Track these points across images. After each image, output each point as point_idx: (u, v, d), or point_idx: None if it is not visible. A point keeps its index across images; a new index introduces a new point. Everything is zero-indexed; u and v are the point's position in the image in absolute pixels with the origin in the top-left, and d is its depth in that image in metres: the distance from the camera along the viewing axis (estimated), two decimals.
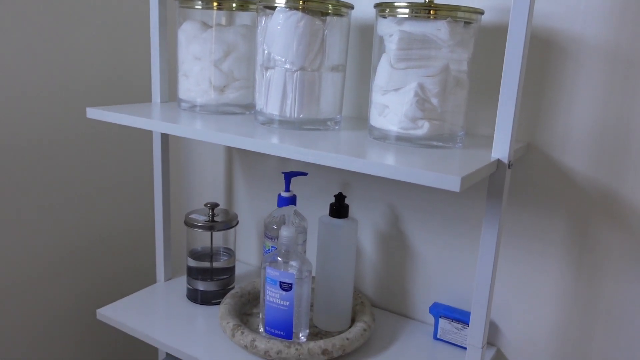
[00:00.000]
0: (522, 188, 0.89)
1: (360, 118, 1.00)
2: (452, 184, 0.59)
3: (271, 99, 0.82)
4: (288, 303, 0.88)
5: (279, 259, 0.89)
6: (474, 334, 0.76)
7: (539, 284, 0.90)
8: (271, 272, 0.88)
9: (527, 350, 0.93)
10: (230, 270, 1.08)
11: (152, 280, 1.29)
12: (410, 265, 1.02)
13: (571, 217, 0.85)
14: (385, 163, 0.64)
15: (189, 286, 1.06)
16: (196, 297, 1.05)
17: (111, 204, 1.27)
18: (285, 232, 0.88)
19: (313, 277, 1.04)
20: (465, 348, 0.92)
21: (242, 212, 1.22)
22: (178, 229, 1.32)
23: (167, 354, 1.00)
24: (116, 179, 1.27)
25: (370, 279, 1.08)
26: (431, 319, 1.01)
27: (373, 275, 1.07)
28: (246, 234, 1.24)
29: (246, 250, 1.25)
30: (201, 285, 1.04)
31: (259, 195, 1.19)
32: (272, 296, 0.89)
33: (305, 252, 1.02)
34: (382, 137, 0.77)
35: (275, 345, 0.86)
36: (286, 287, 0.87)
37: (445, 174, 0.60)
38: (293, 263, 0.88)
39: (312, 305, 0.99)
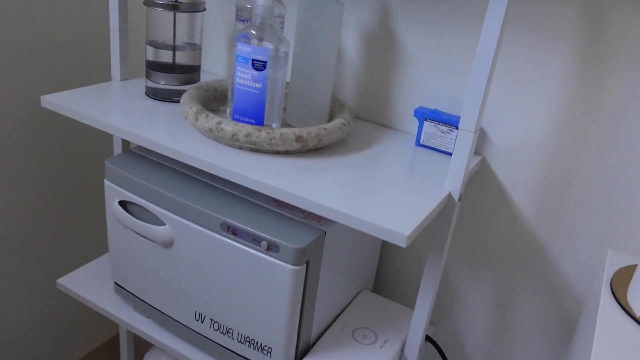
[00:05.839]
0: None
1: None
2: None
3: None
4: (260, 85, 0.78)
5: (252, 32, 0.77)
6: (467, 117, 0.68)
7: (537, 83, 0.82)
8: (242, 49, 0.77)
9: (514, 159, 0.87)
10: (195, 67, 0.96)
11: (107, 79, 1.16)
12: (397, 68, 0.93)
13: (586, 4, 0.76)
14: None
15: (149, 80, 0.94)
16: (157, 93, 0.94)
17: None
18: (261, 1, 0.76)
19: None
20: (450, 154, 0.86)
21: (211, 12, 1.09)
22: (136, 20, 1.18)
23: (123, 141, 0.90)
24: None
25: (351, 86, 0.98)
26: (415, 128, 0.93)
27: (354, 82, 0.97)
28: (214, 43, 1.11)
29: (212, 61, 1.12)
30: (162, 79, 0.93)
31: None
32: (243, 77, 0.78)
33: None
34: None
35: (244, 128, 0.77)
36: (259, 65, 0.77)
37: None
38: (268, 44, 0.77)
39: (285, 109, 0.89)
